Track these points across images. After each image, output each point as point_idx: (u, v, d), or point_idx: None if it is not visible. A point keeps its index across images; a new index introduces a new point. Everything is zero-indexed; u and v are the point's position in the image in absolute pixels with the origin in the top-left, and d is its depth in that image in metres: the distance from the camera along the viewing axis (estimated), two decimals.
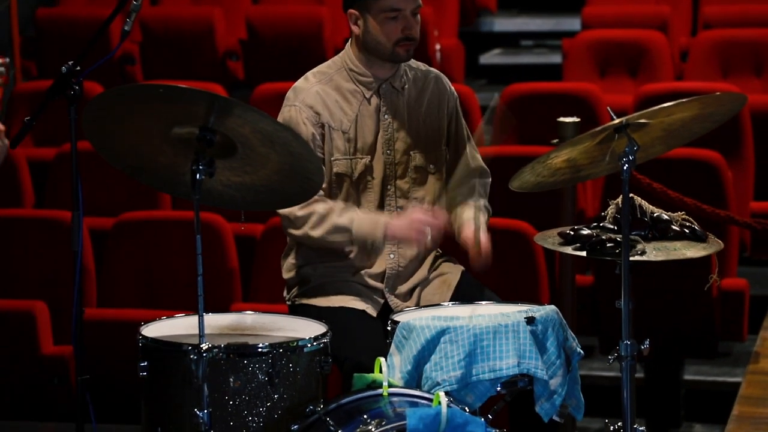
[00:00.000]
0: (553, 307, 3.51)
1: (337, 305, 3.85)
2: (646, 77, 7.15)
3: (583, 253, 3.49)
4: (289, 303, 4.02)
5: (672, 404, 5.57)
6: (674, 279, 5.23)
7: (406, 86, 3.95)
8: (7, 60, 2.53)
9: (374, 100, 3.92)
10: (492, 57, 8.72)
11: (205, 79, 7.18)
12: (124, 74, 7.94)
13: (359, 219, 3.82)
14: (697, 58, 7.14)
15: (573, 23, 8.45)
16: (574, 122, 4.85)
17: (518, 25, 8.96)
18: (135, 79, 7.84)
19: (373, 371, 3.48)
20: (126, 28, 3.75)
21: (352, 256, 3.89)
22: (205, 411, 3.29)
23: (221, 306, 4.92)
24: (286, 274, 4.03)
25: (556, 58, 8.28)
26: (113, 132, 3.45)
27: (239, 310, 3.99)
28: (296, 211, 3.84)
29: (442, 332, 3.43)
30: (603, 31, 7.50)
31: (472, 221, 3.80)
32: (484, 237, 3.77)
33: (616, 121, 3.32)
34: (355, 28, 3.91)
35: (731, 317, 5.43)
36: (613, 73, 7.32)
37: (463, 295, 3.88)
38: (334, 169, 3.86)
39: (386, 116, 3.92)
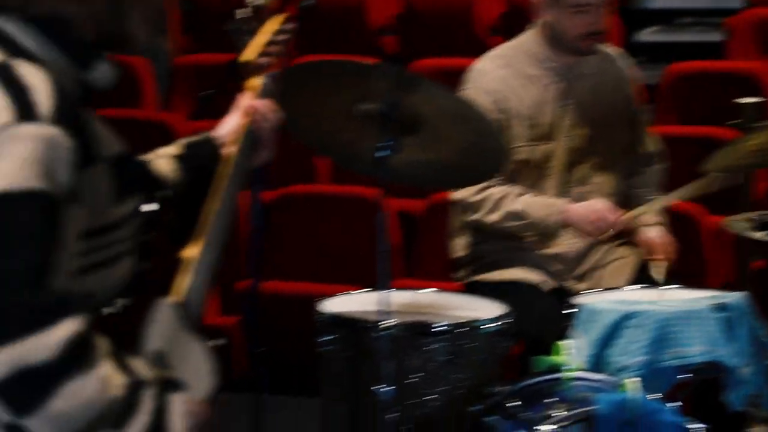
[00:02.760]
0: (743, 294, 3.43)
1: (511, 278, 3.81)
2: None
3: None
4: (462, 280, 3.99)
5: None
6: None
7: (589, 70, 3.88)
8: (292, 26, 2.53)
9: (556, 85, 3.86)
10: (649, 34, 8.58)
11: (359, 54, 7.17)
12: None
13: (534, 204, 3.78)
14: None
15: (733, 1, 8.27)
16: (756, 103, 4.72)
17: (676, 2, 8.80)
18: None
19: (549, 346, 3.43)
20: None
21: (528, 237, 3.85)
22: (387, 388, 3.29)
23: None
24: (458, 253, 4.00)
25: (714, 36, 8.11)
26: (299, 106, 3.45)
27: (401, 287, 3.98)
28: (471, 196, 3.81)
29: (628, 316, 3.37)
30: None
31: (653, 228, 3.73)
32: (663, 240, 3.71)
33: None
34: (540, 15, 3.84)
35: None
36: None
37: (642, 279, 3.82)
38: (514, 156, 3.82)
39: (568, 101, 3.86)
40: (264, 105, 2.37)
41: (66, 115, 1.83)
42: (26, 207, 1.76)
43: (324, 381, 3.55)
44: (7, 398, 1.74)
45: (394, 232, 5.39)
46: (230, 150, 2.38)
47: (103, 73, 1.94)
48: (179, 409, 1.89)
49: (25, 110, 1.79)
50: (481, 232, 3.92)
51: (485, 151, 3.39)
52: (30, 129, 1.78)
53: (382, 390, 3.28)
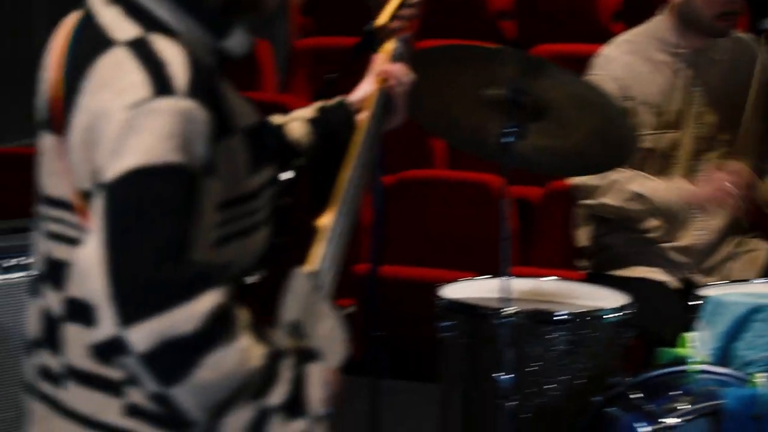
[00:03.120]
0: None
1: (637, 275, 3.76)
2: None
3: None
4: (585, 269, 3.95)
5: None
6: None
7: (720, 55, 3.80)
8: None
9: (685, 72, 3.78)
10: None
11: (476, 38, 7.13)
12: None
13: (658, 186, 3.72)
14: None
15: None
16: None
17: None
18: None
19: (673, 344, 3.38)
20: None
21: (654, 228, 3.78)
22: (507, 375, 3.26)
23: (498, 269, 4.88)
24: (582, 243, 3.95)
25: None
26: (423, 91, 3.42)
27: (516, 274, 3.94)
28: (592, 180, 3.76)
29: (756, 310, 3.30)
30: None
31: None
32: None
33: None
34: None
35: None
36: None
37: None
38: (640, 144, 3.75)
39: (697, 88, 3.78)
40: (397, 69, 2.34)
41: (202, 87, 1.83)
42: (165, 181, 1.77)
43: (442, 367, 3.54)
44: (154, 369, 1.76)
45: (512, 219, 5.35)
46: (363, 116, 2.36)
47: (237, 40, 1.93)
48: (317, 378, 1.90)
49: (161, 85, 1.80)
50: (606, 222, 3.86)
51: (613, 138, 3.33)
52: (167, 103, 1.79)
53: (501, 377, 3.26)
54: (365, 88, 2.32)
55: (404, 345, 4.66)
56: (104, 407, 1.89)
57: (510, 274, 3.35)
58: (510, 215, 5.33)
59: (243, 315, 1.83)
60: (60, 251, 1.92)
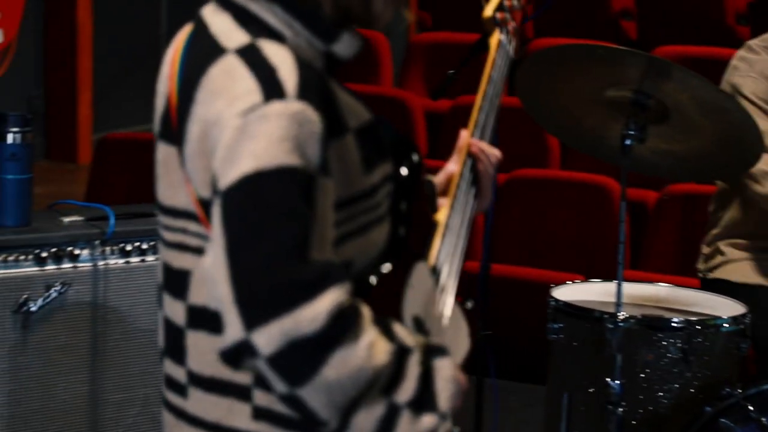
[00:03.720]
0: None
1: (756, 282, 3.68)
2: None
3: None
4: (700, 275, 3.87)
5: None
6: None
7: None
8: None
9: None
10: None
11: (596, 38, 7.07)
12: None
13: None
14: None
15: None
16: None
17: None
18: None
19: None
20: None
21: None
22: (618, 381, 3.22)
23: (609, 272, 4.84)
24: (707, 246, 3.87)
25: None
26: (544, 90, 3.41)
27: (628, 279, 3.88)
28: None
29: None
30: None
31: None
32: None
33: None
34: None
35: None
36: None
37: None
38: None
39: None
40: (485, 146, 2.19)
41: (311, 89, 1.83)
42: (280, 183, 1.77)
43: (551, 369, 3.51)
44: (281, 370, 1.76)
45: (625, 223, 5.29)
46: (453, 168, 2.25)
47: (346, 44, 1.92)
48: (445, 374, 1.87)
49: (272, 90, 1.81)
50: (737, 226, 3.76)
51: (739, 143, 3.27)
52: (278, 107, 1.79)
53: (611, 383, 3.22)
54: (450, 169, 2.22)
55: (514, 345, 4.63)
56: (232, 412, 1.89)
57: (623, 278, 3.31)
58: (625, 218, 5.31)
59: (367, 312, 1.83)
60: (180, 260, 1.93)
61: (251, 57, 1.84)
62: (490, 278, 4.05)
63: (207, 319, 1.86)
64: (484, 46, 3.86)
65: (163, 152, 1.94)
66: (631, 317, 3.28)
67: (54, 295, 3.16)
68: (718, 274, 3.78)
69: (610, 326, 3.24)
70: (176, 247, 1.94)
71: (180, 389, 1.94)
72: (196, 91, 1.87)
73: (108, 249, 3.25)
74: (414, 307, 1.95)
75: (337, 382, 1.77)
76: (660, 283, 3.71)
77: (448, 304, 2.02)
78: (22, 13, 6.86)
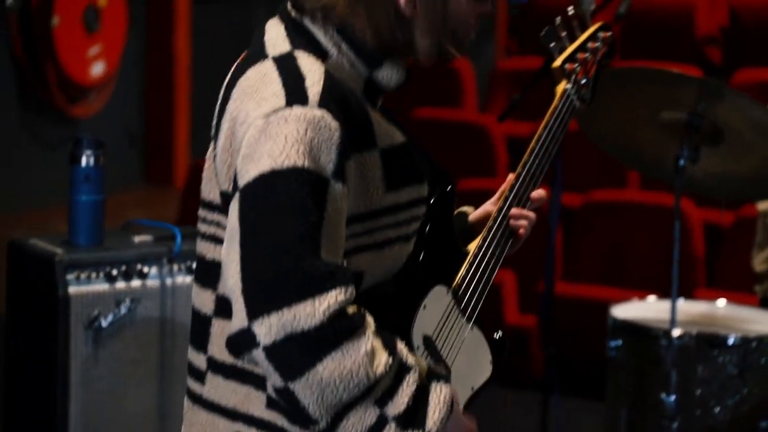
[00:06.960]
0: None
1: None
2: None
3: None
4: (760, 296, 3.91)
5: None
6: None
7: None
8: (609, 35, 2.49)
9: None
10: None
11: (680, 62, 7.09)
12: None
13: None
14: None
15: None
16: None
17: None
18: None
19: None
20: (621, 10, 3.73)
21: None
22: (673, 397, 3.27)
23: (684, 291, 4.86)
24: (759, 267, 3.91)
25: None
26: (601, 112, 3.47)
27: (703, 298, 3.92)
28: None
29: None
30: None
31: None
32: None
33: None
34: None
35: None
36: None
37: None
38: None
39: None
40: (526, 213, 2.20)
41: (334, 100, 1.92)
42: (291, 183, 1.86)
43: (610, 385, 3.56)
44: (276, 362, 1.83)
45: (698, 243, 5.31)
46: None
47: (387, 73, 2.00)
48: (439, 397, 1.91)
49: (295, 95, 1.90)
50: None
51: None
52: (298, 111, 1.89)
53: (666, 398, 3.27)
54: (487, 208, 2.26)
55: (577, 362, 4.68)
56: (249, 400, 1.96)
57: (678, 296, 3.36)
58: (695, 239, 5.34)
59: (372, 322, 1.88)
60: (213, 252, 2.02)
61: (285, 64, 1.94)
62: (561, 297, 4.11)
63: (228, 308, 1.91)
64: (545, 72, 3.95)
65: (210, 149, 2.05)
66: (685, 334, 3.33)
67: (124, 311, 3.26)
68: None
69: (665, 343, 3.30)
70: (210, 239, 2.03)
71: (199, 375, 2.02)
72: (233, 89, 1.98)
73: (175, 267, 3.34)
74: (426, 327, 2.01)
75: (329, 382, 1.82)
76: (718, 301, 3.75)
77: (466, 330, 2.08)
78: (124, 45, 7.08)
